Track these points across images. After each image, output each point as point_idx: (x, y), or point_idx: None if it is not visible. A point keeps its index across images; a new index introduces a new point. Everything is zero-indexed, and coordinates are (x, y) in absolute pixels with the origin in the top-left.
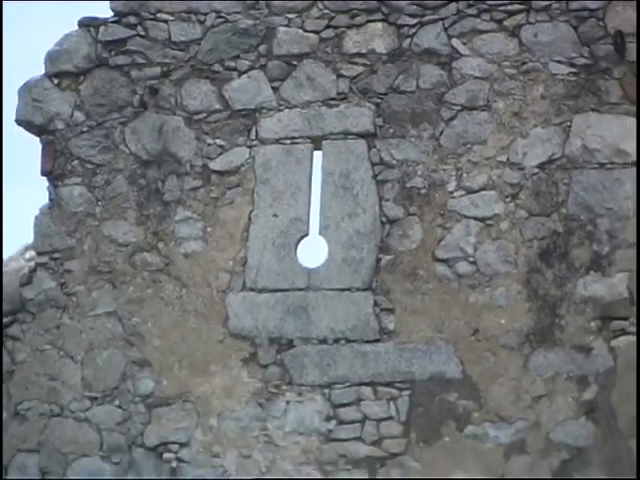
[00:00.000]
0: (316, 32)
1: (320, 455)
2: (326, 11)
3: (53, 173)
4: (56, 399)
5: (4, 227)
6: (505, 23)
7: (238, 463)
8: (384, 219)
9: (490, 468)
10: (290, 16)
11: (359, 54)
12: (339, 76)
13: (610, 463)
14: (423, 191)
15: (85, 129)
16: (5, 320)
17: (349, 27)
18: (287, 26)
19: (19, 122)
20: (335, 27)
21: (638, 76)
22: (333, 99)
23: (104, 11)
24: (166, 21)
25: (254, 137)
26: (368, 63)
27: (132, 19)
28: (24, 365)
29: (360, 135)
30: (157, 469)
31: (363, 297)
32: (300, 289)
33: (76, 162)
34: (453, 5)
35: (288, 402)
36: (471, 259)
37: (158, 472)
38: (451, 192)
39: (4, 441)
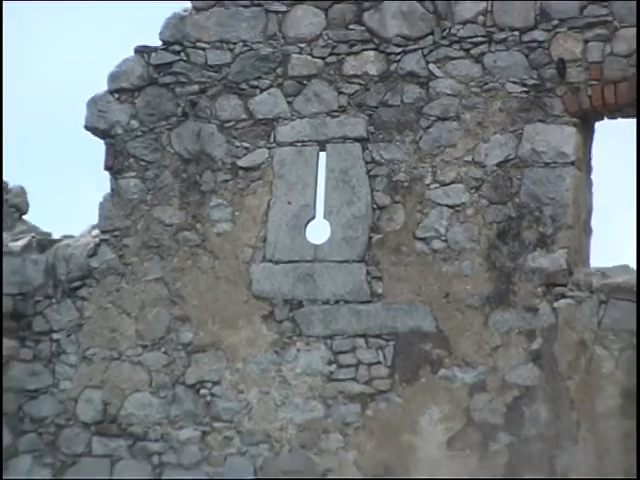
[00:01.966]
0: (322, 58)
1: (323, 392)
2: (330, 41)
3: (114, 168)
4: (115, 346)
5: (73, 210)
6: (471, 52)
7: (259, 398)
8: (375, 206)
9: (458, 403)
10: (301, 45)
11: (355, 75)
12: (339, 93)
13: (551, 399)
14: (406, 184)
15: (139, 134)
16: (75, 284)
17: (348, 54)
18: (299, 53)
19: (87, 128)
20: (337, 54)
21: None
22: (335, 111)
23: (155, 41)
24: (203, 49)
25: (272, 141)
26: (363, 83)
27: (177, 47)
28: (90, 320)
29: (356, 139)
30: (194, 402)
31: (358, 267)
32: (308, 261)
33: (132, 160)
34: (430, 37)
35: (298, 350)
36: (443, 238)
37: (195, 404)
38: (428, 185)
39: (74, 380)
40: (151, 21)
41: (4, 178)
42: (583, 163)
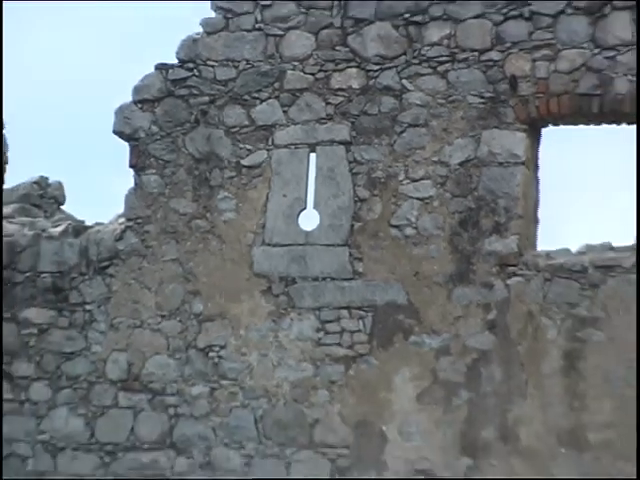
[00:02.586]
0: (312, 74)
1: (313, 354)
2: (319, 60)
3: (137, 166)
4: (138, 316)
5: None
6: (438, 69)
7: (258, 359)
8: (356, 198)
9: (426, 364)
10: (295, 63)
11: (340, 89)
12: (327, 103)
13: (504, 362)
14: (382, 180)
15: (158, 137)
16: (104, 263)
17: (334, 71)
18: (293, 70)
19: (115, 132)
20: (325, 71)
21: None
22: (323, 119)
23: (171, 59)
24: (212, 66)
25: (271, 144)
26: (346, 95)
27: (190, 65)
28: (117, 293)
29: (341, 143)
30: (204, 363)
31: (342, 250)
32: (300, 244)
33: (152, 159)
34: (403, 57)
35: (292, 319)
36: (414, 225)
37: (205, 365)
38: (401, 181)
39: (103, 344)
40: (167, 39)
41: (45, 174)
42: (531, 163)
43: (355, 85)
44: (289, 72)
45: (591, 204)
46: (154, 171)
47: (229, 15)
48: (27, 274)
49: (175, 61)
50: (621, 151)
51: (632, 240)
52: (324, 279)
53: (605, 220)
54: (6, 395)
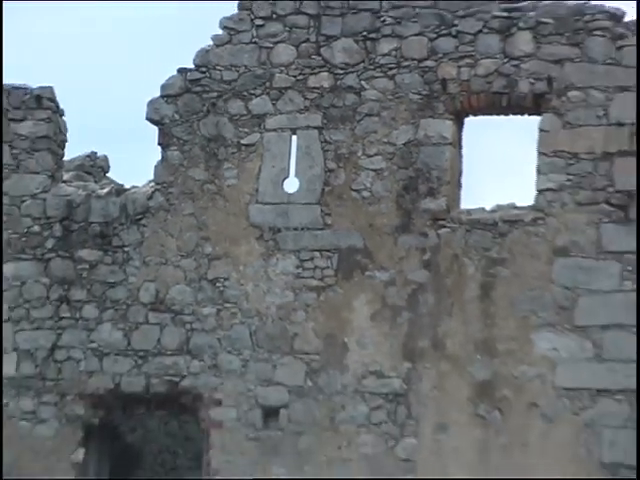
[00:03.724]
0: (294, 76)
1: (293, 285)
2: (299, 66)
3: (163, 144)
4: (163, 255)
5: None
6: (388, 73)
7: (252, 288)
8: (326, 169)
9: (377, 292)
10: (281, 68)
11: (315, 88)
12: (305, 98)
13: (436, 290)
14: (346, 155)
15: (179, 123)
16: (139, 216)
17: (310, 74)
18: (280, 73)
19: (147, 119)
20: (303, 74)
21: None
22: (302, 110)
23: (189, 64)
24: (220, 70)
25: (263, 128)
26: (319, 92)
27: (203, 69)
28: (148, 239)
29: (315, 128)
30: (212, 291)
31: (315, 207)
32: (284, 203)
33: (174, 139)
34: (362, 64)
35: (277, 259)
36: (369, 189)
37: (213, 292)
38: (359, 156)
39: (137, 276)
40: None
41: (99, 150)
42: (457, 143)
43: (326, 85)
44: (277, 75)
45: (501, 173)
46: (176, 148)
47: (232, 32)
48: (81, 224)
49: (192, 66)
50: (523, 134)
51: (531, 201)
52: (302, 229)
53: (511, 185)
54: (64, 314)
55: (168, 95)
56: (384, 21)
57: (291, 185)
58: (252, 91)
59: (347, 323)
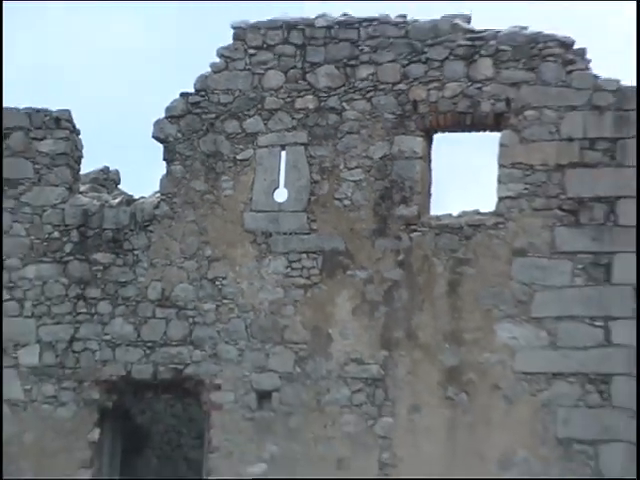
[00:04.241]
0: (283, 99)
1: (283, 283)
2: (287, 90)
3: (168, 159)
4: (168, 258)
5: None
6: (365, 95)
7: (247, 286)
8: (312, 181)
9: (357, 289)
10: (271, 92)
11: (302, 109)
12: (293, 118)
13: (409, 287)
14: (329, 169)
15: (182, 140)
16: (146, 223)
17: (297, 97)
18: (270, 96)
19: (153, 137)
20: (291, 97)
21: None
22: (290, 128)
23: (191, 88)
24: (217, 93)
25: (256, 145)
26: (305, 113)
27: (203, 92)
28: (154, 243)
29: (302, 144)
30: (212, 288)
31: (302, 214)
32: (275, 211)
33: (177, 155)
34: (343, 87)
35: (269, 260)
36: (349, 198)
37: (212, 289)
38: (341, 169)
39: (145, 276)
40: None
41: (111, 165)
42: (426, 157)
43: (311, 106)
44: (268, 98)
45: (466, 183)
46: (179, 163)
47: (228, 60)
48: (95, 230)
49: (193, 90)
50: (485, 149)
51: (492, 207)
52: (290, 233)
53: (474, 194)
54: (81, 310)
55: (172, 116)
56: (362, 50)
57: (281, 195)
58: (246, 112)
59: (331, 316)
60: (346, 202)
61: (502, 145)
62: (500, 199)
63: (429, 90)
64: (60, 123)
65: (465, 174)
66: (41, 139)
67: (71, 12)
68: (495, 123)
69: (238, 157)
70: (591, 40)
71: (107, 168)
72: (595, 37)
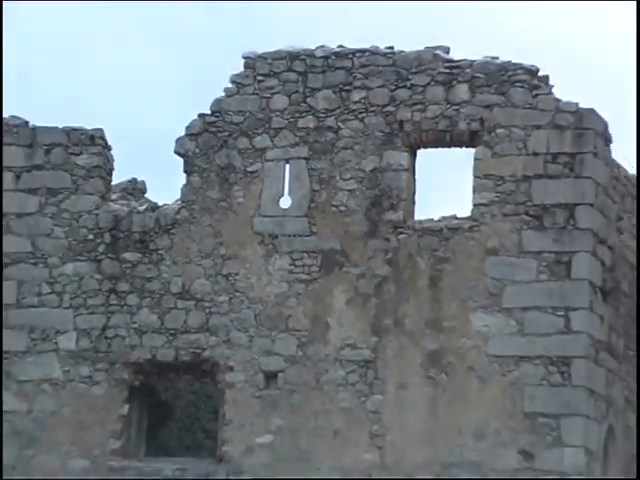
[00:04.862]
0: (287, 119)
1: (287, 278)
2: (291, 111)
3: (188, 171)
4: (188, 257)
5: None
6: (358, 116)
7: (256, 281)
8: (312, 190)
9: (351, 283)
10: (277, 113)
11: (303, 127)
12: (295, 136)
13: (396, 281)
14: (327, 179)
15: (199, 155)
16: (169, 227)
17: (299, 117)
18: (276, 117)
19: (175, 152)
20: (294, 117)
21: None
22: (293, 145)
23: (207, 109)
24: (230, 114)
25: (264, 159)
26: (306, 131)
27: (218, 114)
28: (176, 243)
29: (303, 158)
30: (226, 282)
31: (304, 219)
32: (280, 216)
33: (196, 167)
34: (339, 109)
35: (275, 258)
36: (345, 205)
37: (226, 283)
38: (337, 180)
39: (168, 273)
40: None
41: (139, 176)
42: (411, 170)
43: (311, 125)
44: (274, 118)
45: (445, 192)
46: (197, 174)
47: (239, 85)
48: (125, 233)
49: (209, 111)
50: (462, 162)
51: (468, 213)
52: (294, 235)
53: (453, 202)
54: (112, 302)
55: (191, 134)
56: (355, 76)
57: (285, 202)
58: (255, 131)
59: (329, 307)
60: (342, 208)
61: (476, 159)
62: (475, 206)
63: (413, 111)
64: (94, 140)
65: (444, 184)
66: (78, 154)
67: (107, 48)
68: (470, 140)
69: (248, 169)
70: (558, 64)
71: (135, 179)
72: (562, 61)
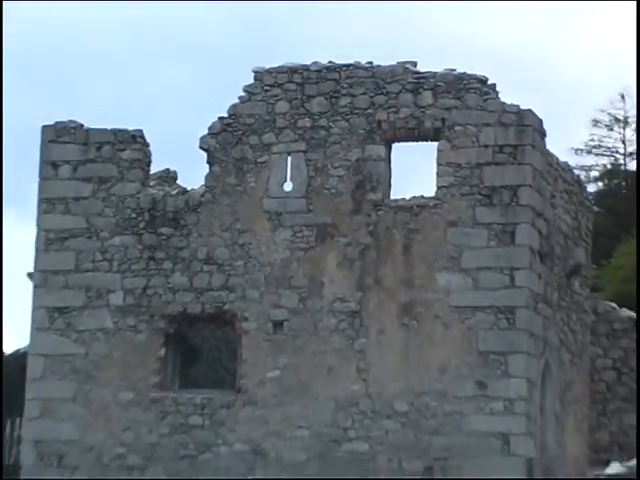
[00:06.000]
0: (288, 120)
1: (289, 246)
2: (292, 114)
3: (210, 162)
4: (211, 229)
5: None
6: (345, 117)
7: (265, 248)
8: (309, 177)
9: (340, 250)
10: (281, 115)
11: (301, 127)
12: (295, 134)
13: (376, 249)
14: (320, 167)
15: (219, 149)
16: (195, 207)
17: (298, 119)
18: (280, 119)
19: (200, 147)
20: (294, 119)
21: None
22: (293, 141)
23: (224, 112)
24: (244, 117)
25: (270, 152)
26: (304, 130)
27: (233, 116)
28: (201, 220)
29: (302, 151)
30: (242, 251)
31: (302, 200)
32: (283, 197)
33: (217, 159)
34: (329, 112)
35: (280, 231)
36: (335, 188)
37: (242, 251)
38: (329, 168)
39: (195, 243)
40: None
41: (171, 167)
42: (387, 159)
43: (308, 125)
44: (278, 119)
45: (415, 177)
46: (217, 165)
47: (251, 94)
48: (160, 212)
49: (226, 115)
50: (428, 153)
51: (433, 193)
52: (295, 212)
53: (421, 184)
54: (151, 267)
55: (212, 133)
56: (342, 86)
57: (288, 186)
58: (263, 130)
59: (323, 269)
60: (332, 191)
61: (439, 150)
62: (438, 188)
63: (389, 113)
64: (136, 138)
65: (414, 171)
66: (123, 150)
67: (147, 63)
68: (434, 136)
69: (258, 160)
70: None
71: (168, 169)
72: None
